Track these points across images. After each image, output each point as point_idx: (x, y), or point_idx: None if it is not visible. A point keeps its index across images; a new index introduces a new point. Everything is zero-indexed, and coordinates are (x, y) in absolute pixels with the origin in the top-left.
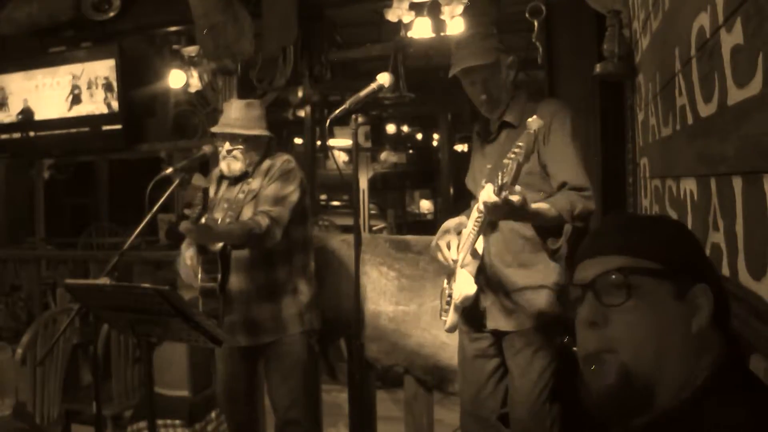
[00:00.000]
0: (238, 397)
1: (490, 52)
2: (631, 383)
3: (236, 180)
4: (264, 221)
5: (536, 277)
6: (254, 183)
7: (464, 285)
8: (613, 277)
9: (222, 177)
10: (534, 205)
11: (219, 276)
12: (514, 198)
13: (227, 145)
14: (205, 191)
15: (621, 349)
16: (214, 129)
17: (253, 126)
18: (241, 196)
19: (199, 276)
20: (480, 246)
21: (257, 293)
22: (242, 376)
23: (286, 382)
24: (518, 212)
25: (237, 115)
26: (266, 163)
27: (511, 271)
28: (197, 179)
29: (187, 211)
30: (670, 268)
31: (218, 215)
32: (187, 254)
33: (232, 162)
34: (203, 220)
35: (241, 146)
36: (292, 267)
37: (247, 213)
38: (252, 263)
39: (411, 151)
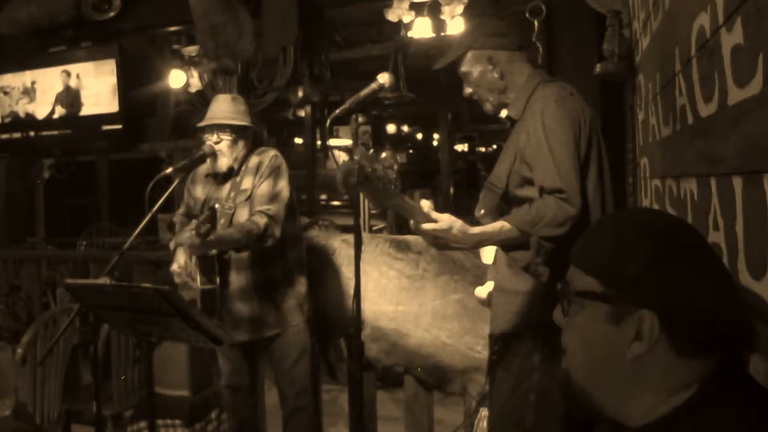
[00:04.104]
0: (241, 392)
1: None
2: (572, 387)
3: (224, 178)
4: (262, 221)
5: (514, 282)
6: (245, 182)
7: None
8: (563, 290)
9: (209, 175)
10: (476, 229)
11: (217, 278)
12: (430, 227)
13: (214, 138)
14: (213, 210)
15: (566, 355)
16: (201, 123)
17: (240, 119)
18: (232, 195)
19: (198, 278)
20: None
21: (256, 290)
22: (245, 371)
23: (294, 370)
24: (455, 240)
25: (223, 108)
26: (254, 160)
27: (501, 273)
28: None
29: (191, 226)
30: (609, 292)
31: None
32: (180, 260)
33: (219, 157)
34: (211, 237)
35: (228, 138)
36: (286, 261)
37: (242, 214)
38: (249, 262)
39: (411, 151)
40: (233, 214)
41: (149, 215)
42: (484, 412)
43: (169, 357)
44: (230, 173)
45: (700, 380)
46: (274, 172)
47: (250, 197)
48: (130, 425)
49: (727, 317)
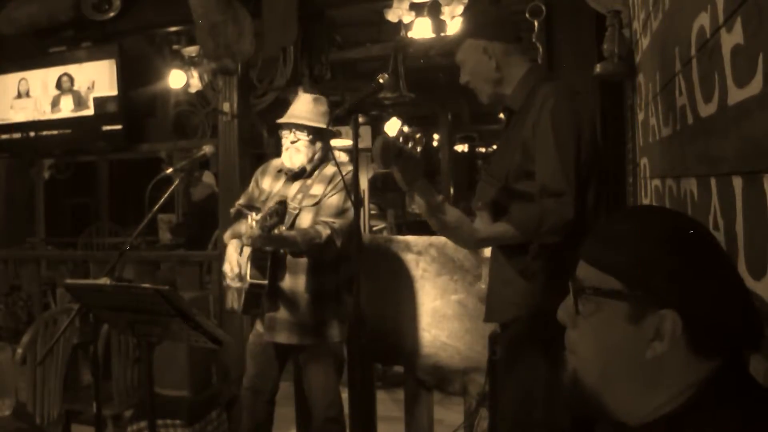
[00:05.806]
0: (262, 396)
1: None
2: (580, 388)
3: (294, 177)
4: (326, 232)
5: (512, 273)
6: (316, 188)
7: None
8: (578, 288)
9: (281, 171)
10: (483, 233)
11: (268, 273)
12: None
13: (291, 137)
14: (283, 204)
15: (577, 355)
16: (280, 120)
17: (319, 120)
18: (299, 196)
19: (249, 272)
20: None
21: (304, 296)
22: (271, 376)
23: (326, 382)
24: (460, 239)
25: (304, 108)
26: (330, 170)
27: (500, 264)
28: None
29: (256, 217)
30: (629, 291)
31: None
32: (232, 259)
33: (294, 154)
34: (276, 231)
35: (305, 138)
36: (338, 277)
37: (305, 218)
38: (302, 267)
39: None
40: (296, 216)
41: (150, 215)
42: (484, 412)
43: (169, 357)
44: (301, 173)
45: (704, 380)
46: (348, 189)
47: (317, 204)
48: (130, 425)
49: (740, 318)
